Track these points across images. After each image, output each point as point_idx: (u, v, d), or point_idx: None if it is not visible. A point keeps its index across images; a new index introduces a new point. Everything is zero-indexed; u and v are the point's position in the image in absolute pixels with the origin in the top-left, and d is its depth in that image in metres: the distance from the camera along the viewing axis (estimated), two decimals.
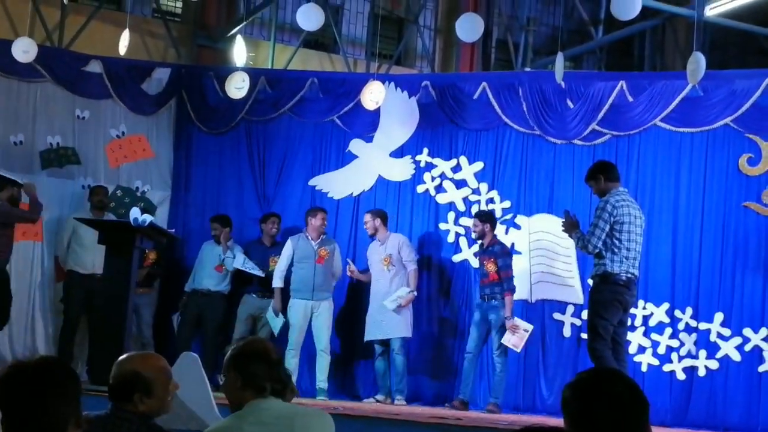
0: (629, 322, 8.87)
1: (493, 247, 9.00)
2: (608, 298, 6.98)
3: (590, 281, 7.46)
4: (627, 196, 7.18)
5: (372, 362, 9.74)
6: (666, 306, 8.94)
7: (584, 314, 9.18)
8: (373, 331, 9.34)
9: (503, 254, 8.99)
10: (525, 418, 8.58)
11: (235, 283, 9.94)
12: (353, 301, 10.02)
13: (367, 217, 9.50)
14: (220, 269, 9.91)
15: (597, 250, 7.00)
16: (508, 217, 9.65)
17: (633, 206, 7.11)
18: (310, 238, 9.43)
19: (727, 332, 8.70)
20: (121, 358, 3.70)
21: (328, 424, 3.49)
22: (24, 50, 9.55)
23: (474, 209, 9.76)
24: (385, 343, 9.32)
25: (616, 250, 6.96)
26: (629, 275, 6.98)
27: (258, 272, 9.70)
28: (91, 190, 10.00)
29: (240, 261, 9.71)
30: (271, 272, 9.61)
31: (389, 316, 9.19)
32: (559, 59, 8.80)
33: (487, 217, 9.14)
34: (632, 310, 8.96)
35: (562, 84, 9.31)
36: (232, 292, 9.94)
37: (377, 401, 9.15)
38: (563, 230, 7.47)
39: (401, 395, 9.15)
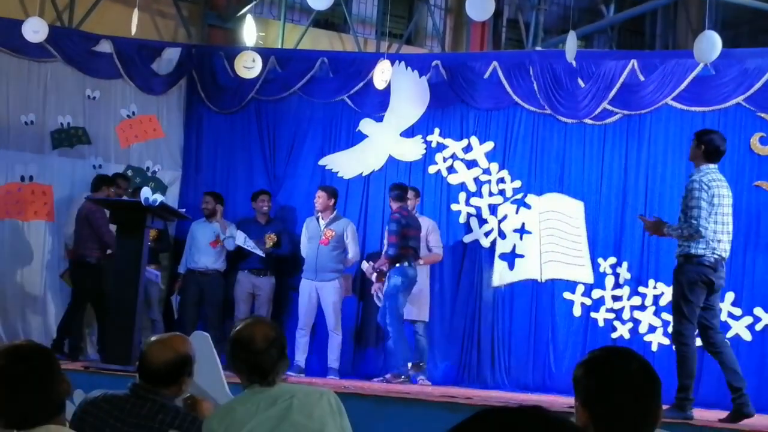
0: (640, 302, 8.89)
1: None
2: (692, 278, 6.50)
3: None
4: (717, 174, 6.60)
5: (384, 341, 9.77)
6: None
7: (594, 293, 9.20)
8: None
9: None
10: (535, 397, 8.61)
11: (228, 260, 9.97)
12: (366, 280, 10.04)
13: (410, 194, 9.39)
14: (214, 245, 9.90)
15: (708, 232, 6.43)
16: (519, 196, 9.65)
17: (722, 184, 6.58)
18: (320, 218, 9.44)
19: (737, 312, 8.69)
20: (155, 340, 3.69)
21: (330, 403, 3.46)
22: (34, 30, 9.55)
23: (485, 189, 9.76)
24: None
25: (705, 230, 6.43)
26: (716, 256, 6.50)
27: (259, 251, 9.71)
28: (120, 177, 9.95)
29: (241, 239, 9.71)
30: (270, 250, 9.64)
31: (413, 299, 9.15)
32: (572, 38, 8.74)
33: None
34: (642, 289, 9.00)
35: (574, 63, 9.27)
36: (227, 269, 9.97)
37: (387, 380, 9.06)
38: (650, 233, 7.06)
39: (424, 375, 9.11)
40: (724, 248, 6.55)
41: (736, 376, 6.48)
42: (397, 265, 8.90)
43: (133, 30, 9.87)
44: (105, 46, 10.53)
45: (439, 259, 9.48)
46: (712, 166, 6.58)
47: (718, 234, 6.50)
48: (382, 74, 9.61)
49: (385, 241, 9.20)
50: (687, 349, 6.52)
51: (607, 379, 2.42)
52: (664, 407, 6.33)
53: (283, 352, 3.52)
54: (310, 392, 3.50)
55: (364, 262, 9.50)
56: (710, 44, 8.02)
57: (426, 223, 9.38)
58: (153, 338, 3.76)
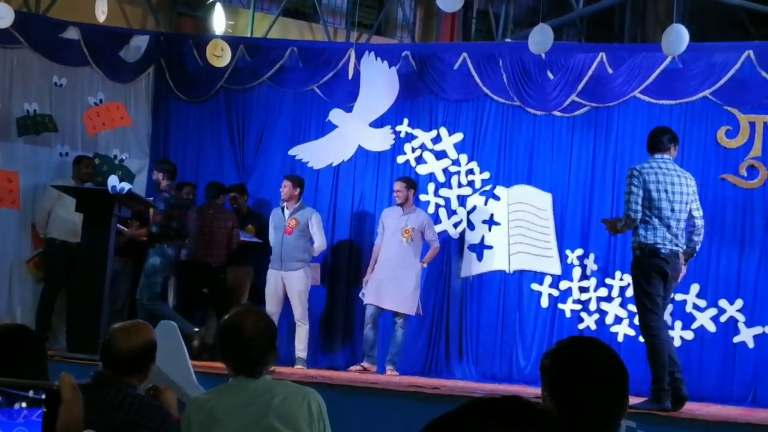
0: (606, 293, 8.95)
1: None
2: (647, 270, 6.56)
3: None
4: (664, 164, 6.65)
5: (352, 331, 9.78)
6: None
7: (561, 285, 9.25)
8: (374, 297, 9.20)
9: None
10: (502, 387, 8.66)
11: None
12: (333, 269, 10.05)
13: (401, 186, 9.30)
14: None
15: (638, 215, 6.51)
16: (488, 188, 9.68)
17: (669, 173, 6.62)
18: (285, 208, 9.41)
19: (702, 303, 8.78)
20: (118, 327, 3.65)
21: (311, 407, 3.40)
22: (0, 16, 9.43)
23: (454, 180, 9.78)
24: (379, 313, 9.20)
25: (647, 219, 6.54)
26: (670, 247, 6.55)
27: (256, 239, 9.72)
28: (77, 160, 9.89)
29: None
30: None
31: (399, 290, 9.10)
32: (545, 31, 8.68)
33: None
34: (609, 281, 9.06)
35: (542, 56, 9.30)
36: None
37: (364, 369, 9.07)
38: (613, 234, 7.22)
39: (394, 366, 9.11)
40: (679, 239, 6.60)
41: (671, 361, 6.51)
42: (157, 245, 9.00)
43: (99, 17, 9.77)
44: (72, 33, 10.43)
45: (437, 252, 9.41)
46: (665, 156, 6.68)
47: (663, 220, 6.52)
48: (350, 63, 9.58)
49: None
50: (655, 340, 6.55)
51: (574, 369, 2.43)
52: (642, 399, 6.45)
53: (272, 344, 3.48)
54: (291, 393, 3.43)
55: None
56: (678, 37, 8.09)
57: (421, 218, 9.30)
58: (116, 325, 3.74)
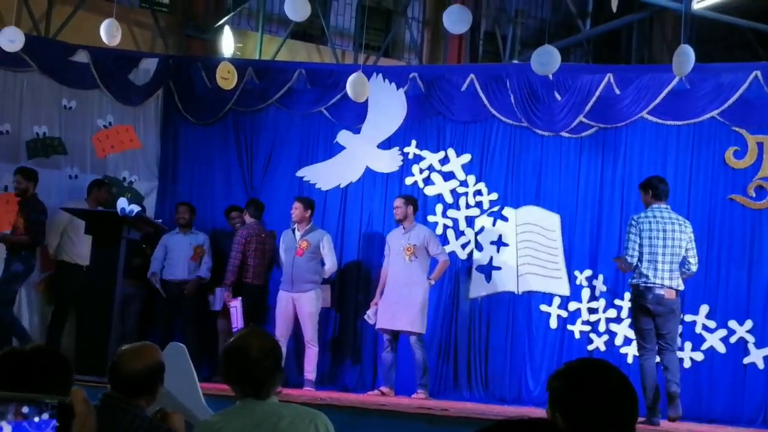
0: (616, 314, 8.93)
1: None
2: (634, 305, 7.72)
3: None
4: (660, 212, 7.61)
5: (360, 353, 9.77)
6: None
7: (570, 306, 9.25)
8: (385, 321, 9.12)
9: None
10: (511, 409, 8.62)
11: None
12: (343, 291, 10.03)
13: (399, 202, 9.25)
14: (195, 258, 9.91)
15: (634, 260, 7.54)
16: (496, 209, 9.67)
17: (661, 220, 7.57)
18: (296, 229, 9.41)
19: (712, 324, 8.75)
20: (127, 349, 3.65)
21: (320, 426, 3.38)
22: (10, 39, 9.48)
23: (462, 201, 9.78)
24: (394, 335, 9.13)
25: (639, 264, 7.55)
26: (647, 284, 7.51)
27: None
28: (97, 184, 9.93)
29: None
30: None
31: (406, 309, 8.99)
32: (551, 52, 8.68)
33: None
34: (618, 302, 9.05)
35: (549, 77, 9.32)
36: (206, 282, 9.96)
37: (382, 393, 8.98)
38: (625, 272, 8.04)
39: (424, 390, 8.96)
40: (659, 276, 7.49)
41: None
42: (23, 252, 9.13)
43: (106, 40, 9.77)
44: (82, 56, 10.49)
45: (447, 265, 9.29)
46: (662, 205, 7.65)
47: (652, 264, 7.49)
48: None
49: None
50: (642, 367, 7.57)
51: (585, 391, 2.43)
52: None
53: (278, 364, 3.47)
54: (299, 415, 3.40)
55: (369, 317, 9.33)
56: (687, 58, 8.09)
57: (422, 233, 9.18)
58: (124, 347, 3.74)
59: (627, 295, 8.98)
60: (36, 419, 1.61)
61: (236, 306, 9.30)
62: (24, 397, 1.63)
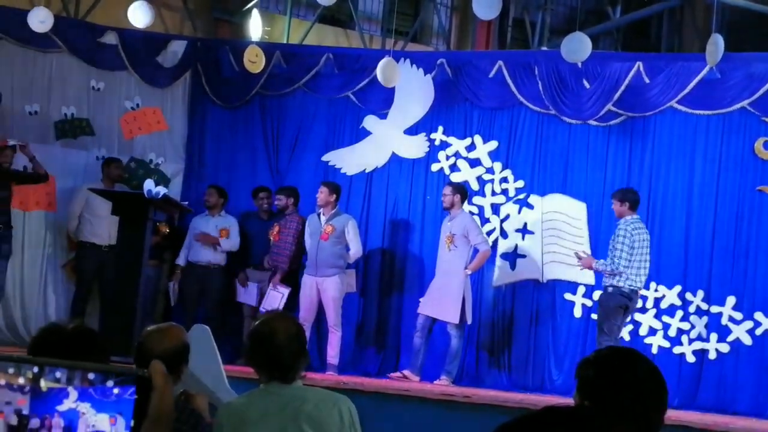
0: (641, 304, 8.93)
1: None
2: (615, 304, 8.23)
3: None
4: (639, 223, 8.29)
5: (384, 338, 9.77)
6: (678, 288, 8.93)
7: (595, 295, 9.20)
8: (425, 307, 9.09)
9: None
10: (533, 397, 8.61)
11: (229, 255, 9.97)
12: (368, 276, 10.03)
13: (447, 190, 9.20)
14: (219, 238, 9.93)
15: (626, 269, 8.11)
16: (522, 196, 9.63)
17: (643, 231, 8.29)
18: (322, 214, 9.41)
19: (738, 316, 8.69)
20: (153, 330, 3.67)
21: (342, 415, 3.38)
22: (40, 20, 9.53)
23: (488, 188, 9.75)
24: (431, 322, 9.06)
25: (625, 269, 8.13)
26: (633, 288, 8.23)
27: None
28: (107, 162, 10.00)
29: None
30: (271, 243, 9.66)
31: (443, 299, 8.96)
32: (582, 39, 8.61)
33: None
34: (643, 292, 9.01)
35: (578, 64, 9.25)
36: (228, 264, 9.96)
37: (404, 377, 8.97)
38: (583, 269, 8.69)
39: (449, 376, 8.96)
40: (640, 281, 8.25)
41: None
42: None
43: (135, 22, 9.79)
44: (110, 38, 10.53)
45: (488, 255, 9.20)
46: (635, 216, 8.27)
47: (636, 270, 8.16)
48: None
49: None
50: None
51: (616, 380, 2.42)
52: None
53: (303, 348, 3.47)
54: (323, 400, 3.41)
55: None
56: (717, 47, 8.01)
57: (463, 222, 9.07)
58: (150, 328, 3.75)
59: (653, 285, 8.94)
60: (105, 385, 1.68)
61: (284, 294, 9.34)
62: (100, 368, 1.71)
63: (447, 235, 9.07)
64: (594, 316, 9.20)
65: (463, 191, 9.27)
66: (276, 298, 9.34)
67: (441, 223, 9.40)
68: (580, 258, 8.51)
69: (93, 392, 1.67)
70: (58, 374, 1.69)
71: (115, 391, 1.67)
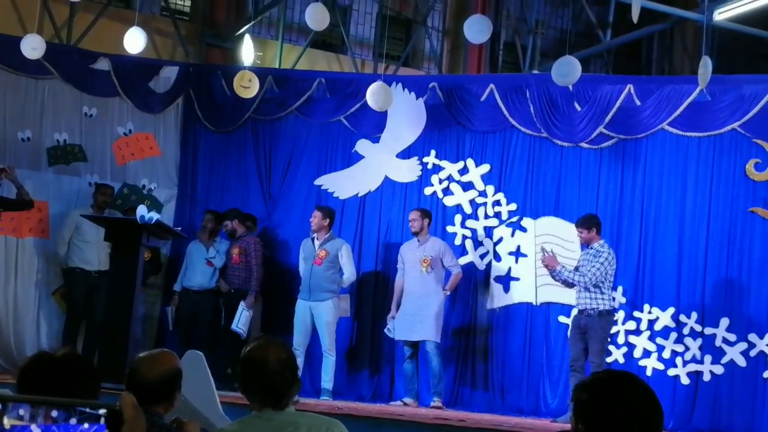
0: (635, 326, 8.94)
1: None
2: (610, 327, 8.46)
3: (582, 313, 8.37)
4: (609, 247, 8.46)
5: (378, 362, 9.74)
6: (671, 311, 8.93)
7: None
8: (404, 332, 9.15)
9: None
10: (529, 420, 8.58)
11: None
12: (361, 301, 10.02)
13: (416, 215, 9.27)
14: (210, 264, 9.93)
15: (588, 284, 8.20)
16: (515, 219, 9.65)
17: (612, 253, 8.42)
18: (315, 238, 9.40)
19: (732, 337, 8.69)
20: (145, 356, 3.65)
21: None
22: (33, 47, 9.54)
23: (480, 212, 9.76)
24: (414, 346, 9.15)
25: (605, 290, 8.27)
26: (614, 309, 8.55)
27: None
28: (98, 188, 10.00)
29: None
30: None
31: (423, 319, 9.02)
32: (571, 62, 8.65)
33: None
34: (637, 314, 9.02)
35: (569, 87, 9.29)
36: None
37: (405, 404, 9.00)
38: (545, 265, 8.56)
39: (439, 397, 8.98)
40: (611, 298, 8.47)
41: None
42: None
43: (130, 49, 9.82)
44: (103, 64, 10.54)
45: (460, 277, 9.30)
46: (603, 240, 8.43)
47: (610, 292, 8.32)
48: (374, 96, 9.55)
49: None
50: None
51: (612, 404, 2.40)
52: None
53: (295, 374, 3.44)
54: (315, 425, 3.38)
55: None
56: (707, 69, 8.04)
57: (437, 245, 9.22)
58: (142, 354, 3.73)
59: (647, 307, 8.96)
60: (68, 423, 1.63)
61: (251, 314, 9.44)
62: (64, 402, 1.65)
63: (422, 258, 9.14)
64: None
65: (430, 215, 9.41)
66: (248, 318, 9.39)
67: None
68: (545, 253, 8.52)
69: (56, 430, 1.62)
70: (21, 411, 1.62)
71: (84, 426, 1.62)
